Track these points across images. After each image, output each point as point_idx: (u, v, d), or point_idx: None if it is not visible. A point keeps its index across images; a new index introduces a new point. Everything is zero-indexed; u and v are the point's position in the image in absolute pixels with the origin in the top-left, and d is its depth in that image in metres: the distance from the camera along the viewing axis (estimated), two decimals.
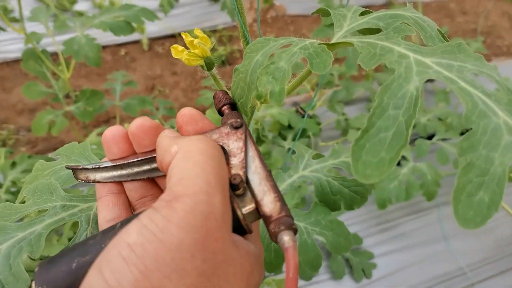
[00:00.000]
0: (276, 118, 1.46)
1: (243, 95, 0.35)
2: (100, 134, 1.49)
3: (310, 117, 1.62)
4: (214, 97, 0.38)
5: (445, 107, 1.78)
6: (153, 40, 2.49)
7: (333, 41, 0.36)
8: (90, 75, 2.27)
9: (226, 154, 0.33)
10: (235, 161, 0.32)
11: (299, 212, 0.62)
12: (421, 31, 0.34)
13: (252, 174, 0.32)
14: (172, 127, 1.41)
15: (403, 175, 1.29)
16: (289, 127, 1.50)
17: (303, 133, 1.54)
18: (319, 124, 1.63)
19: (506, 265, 1.32)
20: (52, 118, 1.32)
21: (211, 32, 2.59)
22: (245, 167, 0.32)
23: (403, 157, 1.35)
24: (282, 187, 0.65)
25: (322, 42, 0.34)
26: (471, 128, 0.24)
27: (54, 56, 1.44)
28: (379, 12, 0.37)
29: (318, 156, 0.68)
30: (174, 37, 2.52)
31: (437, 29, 0.35)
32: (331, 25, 1.41)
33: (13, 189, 1.29)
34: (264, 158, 1.28)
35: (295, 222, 0.62)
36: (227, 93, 0.38)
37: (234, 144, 0.33)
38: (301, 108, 1.65)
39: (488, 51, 2.73)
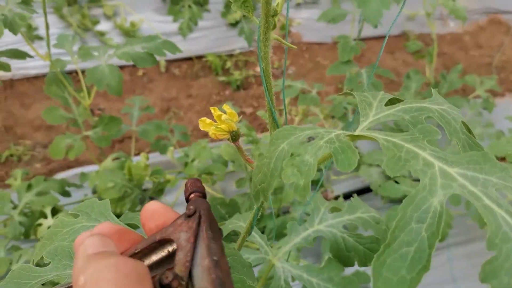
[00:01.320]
0: None
1: (265, 180, 0.36)
2: (115, 159, 1.51)
3: None
4: (185, 185, 0.37)
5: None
6: (170, 62, 2.53)
7: (358, 131, 0.37)
8: (107, 94, 2.31)
9: (178, 248, 0.31)
10: (180, 255, 0.30)
11: (312, 267, 0.63)
12: (445, 125, 0.35)
13: (196, 267, 0.29)
14: (187, 155, 1.43)
15: None
16: None
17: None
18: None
19: None
20: (70, 142, 1.34)
21: (228, 56, 2.63)
22: (190, 261, 0.30)
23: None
24: (296, 240, 0.66)
25: (348, 133, 0.35)
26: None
27: (74, 75, 1.47)
28: (405, 104, 0.38)
29: (334, 210, 0.68)
30: (191, 60, 2.56)
31: (462, 121, 0.36)
32: (348, 61, 1.42)
33: (26, 210, 1.31)
34: (275, 192, 1.28)
35: (307, 277, 0.63)
36: (198, 181, 0.37)
37: (184, 235, 0.31)
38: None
39: (502, 87, 2.72)
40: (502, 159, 1.22)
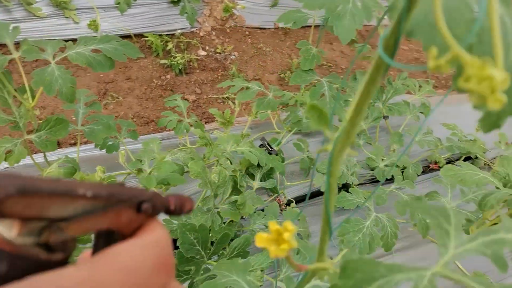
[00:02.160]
0: (247, 156, 1.45)
1: None
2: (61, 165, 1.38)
3: (276, 154, 1.63)
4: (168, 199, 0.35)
5: (399, 149, 1.88)
6: None
7: (440, 263, 0.36)
8: None
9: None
10: None
11: None
12: None
13: None
14: (140, 161, 1.35)
15: (367, 227, 1.35)
16: (258, 165, 1.50)
17: (270, 172, 1.55)
18: (283, 160, 1.64)
19: None
20: (9, 147, 1.20)
21: (169, 36, 2.49)
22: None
23: (368, 208, 1.41)
24: None
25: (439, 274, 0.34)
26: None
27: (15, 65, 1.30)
28: (484, 236, 0.38)
29: None
30: (130, 38, 2.39)
31: None
32: (309, 70, 1.42)
33: None
34: (239, 208, 1.26)
35: None
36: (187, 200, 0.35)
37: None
38: (268, 144, 1.65)
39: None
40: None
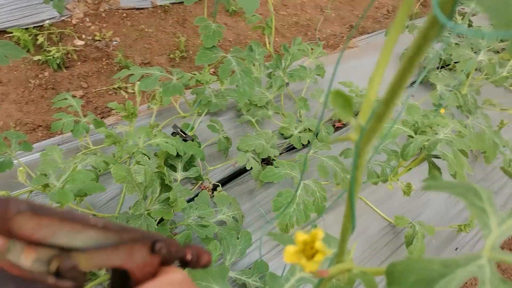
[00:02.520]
0: (164, 148, 1.36)
1: None
2: None
3: (192, 139, 1.55)
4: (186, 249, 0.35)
5: (306, 113, 1.92)
6: None
7: (489, 251, 0.34)
8: None
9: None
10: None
11: None
12: None
13: None
14: (45, 175, 1.18)
15: (299, 196, 1.37)
16: (177, 155, 1.42)
17: (191, 160, 1.47)
18: (200, 145, 1.58)
19: (380, 259, 1.54)
20: None
21: (37, 29, 2.20)
22: None
23: (294, 177, 1.42)
24: None
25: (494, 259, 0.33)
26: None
27: None
28: None
29: None
30: None
31: None
32: (213, 47, 1.35)
33: None
34: (172, 206, 1.18)
35: None
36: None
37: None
38: (182, 131, 1.57)
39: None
40: None
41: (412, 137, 1.33)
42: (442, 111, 2.01)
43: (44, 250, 0.24)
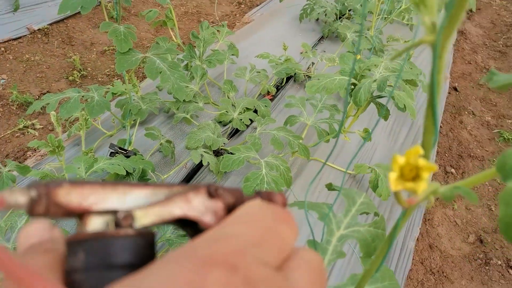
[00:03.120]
0: (112, 171, 1.24)
1: None
2: None
3: (134, 154, 1.43)
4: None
5: (236, 95, 1.87)
6: None
7: None
8: None
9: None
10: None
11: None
12: None
13: None
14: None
15: (266, 175, 1.33)
16: (127, 174, 1.30)
17: (143, 175, 1.36)
18: (142, 158, 1.46)
19: None
20: None
21: None
22: None
23: (254, 158, 1.38)
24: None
25: None
26: None
27: None
28: None
29: None
30: None
31: None
32: (130, 50, 1.24)
33: None
34: None
35: None
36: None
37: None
38: (120, 148, 1.44)
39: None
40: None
41: (355, 84, 1.34)
42: (358, 57, 2.08)
43: (97, 217, 0.24)
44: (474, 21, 3.73)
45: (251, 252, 0.21)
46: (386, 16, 2.24)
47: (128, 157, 1.40)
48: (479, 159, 2.28)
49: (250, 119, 1.63)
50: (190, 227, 0.27)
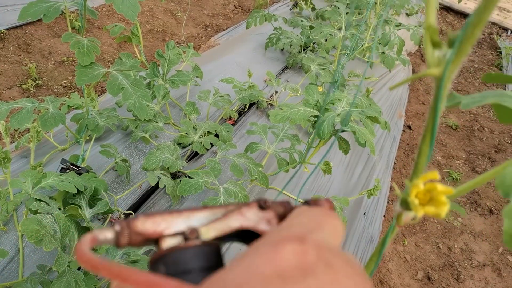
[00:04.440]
0: (61, 188, 1.17)
1: None
2: None
3: (87, 171, 1.37)
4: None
5: (198, 117, 1.85)
6: None
7: None
8: None
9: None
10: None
11: None
12: None
13: None
14: None
15: (224, 202, 1.30)
16: (78, 192, 1.23)
17: (95, 194, 1.29)
18: (95, 176, 1.40)
19: None
20: None
21: None
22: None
23: (213, 184, 1.35)
24: None
25: None
26: None
27: None
28: None
29: None
30: None
31: None
32: (92, 64, 1.20)
33: None
34: (96, 249, 1.02)
35: None
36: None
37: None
38: (72, 164, 1.37)
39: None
40: None
41: (317, 116, 1.35)
42: (320, 89, 2.12)
43: (170, 239, 0.28)
44: None
45: (313, 234, 0.25)
46: (348, 52, 2.31)
47: (80, 174, 1.33)
48: None
49: (211, 143, 1.61)
50: (250, 240, 0.30)
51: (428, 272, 1.91)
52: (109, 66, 1.33)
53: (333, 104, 1.36)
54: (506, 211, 0.31)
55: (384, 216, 2.04)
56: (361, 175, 2.05)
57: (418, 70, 3.71)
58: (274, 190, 1.71)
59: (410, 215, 0.37)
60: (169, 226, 0.28)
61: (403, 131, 2.81)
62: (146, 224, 0.28)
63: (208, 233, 0.29)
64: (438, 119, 0.35)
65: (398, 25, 2.10)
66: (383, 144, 2.40)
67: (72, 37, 1.30)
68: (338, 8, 2.12)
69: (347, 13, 2.29)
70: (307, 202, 0.31)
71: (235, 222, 0.30)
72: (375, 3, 2.19)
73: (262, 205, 0.30)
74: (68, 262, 0.97)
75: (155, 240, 0.28)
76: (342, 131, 1.40)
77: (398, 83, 0.36)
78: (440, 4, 5.04)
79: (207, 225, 0.29)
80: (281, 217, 0.30)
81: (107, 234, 0.27)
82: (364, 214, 1.91)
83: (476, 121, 3.19)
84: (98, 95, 2.17)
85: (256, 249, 0.23)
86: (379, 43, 2.17)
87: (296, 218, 0.28)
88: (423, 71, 0.34)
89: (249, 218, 0.30)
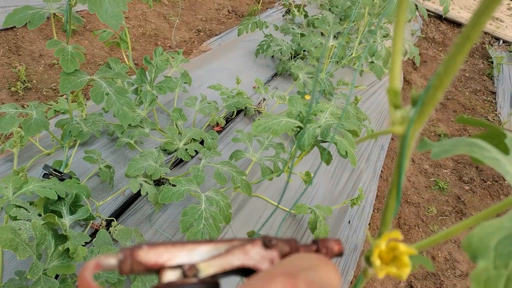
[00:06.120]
0: (41, 194, 1.18)
1: None
2: None
3: (70, 177, 1.37)
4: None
5: (184, 124, 1.86)
6: None
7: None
8: None
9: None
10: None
11: None
12: None
13: None
14: None
15: (205, 210, 1.31)
16: (59, 198, 1.24)
17: (76, 200, 1.30)
18: (78, 182, 1.40)
19: None
20: None
21: None
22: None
23: (195, 192, 1.36)
24: None
25: None
26: None
27: None
28: None
29: None
30: None
31: None
32: (76, 71, 1.21)
33: None
34: (72, 257, 1.03)
35: None
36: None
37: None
38: (55, 170, 1.38)
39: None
40: None
41: (300, 127, 1.37)
42: (307, 97, 2.13)
43: (171, 271, 0.29)
44: (420, 72, 3.95)
45: (305, 272, 0.26)
46: (338, 60, 2.32)
47: (62, 180, 1.34)
48: (415, 205, 2.37)
49: (195, 150, 1.62)
50: (250, 274, 0.31)
51: (411, 281, 1.93)
52: (96, 71, 1.34)
53: (315, 115, 1.37)
54: (473, 275, 0.31)
55: (369, 224, 2.06)
56: (346, 183, 2.06)
57: (409, 78, 3.74)
58: (258, 198, 1.72)
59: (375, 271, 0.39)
60: (171, 258, 0.29)
61: (392, 139, 2.83)
62: (148, 255, 0.29)
63: (208, 270, 0.29)
64: (403, 176, 0.36)
65: (386, 35, 2.12)
66: (370, 152, 2.42)
67: (56, 44, 1.31)
68: (326, 16, 2.14)
69: (339, 21, 2.31)
70: (315, 242, 0.32)
71: (237, 260, 0.30)
72: (363, 13, 2.21)
73: (267, 244, 0.31)
74: (44, 270, 0.97)
75: (157, 270, 0.29)
76: (324, 142, 1.41)
77: (364, 138, 0.38)
78: (434, 13, 5.08)
79: (208, 260, 0.30)
80: (285, 256, 0.31)
81: (111, 261, 0.28)
82: (349, 222, 1.93)
83: (465, 130, 3.22)
84: (87, 99, 2.18)
85: (249, 284, 0.24)
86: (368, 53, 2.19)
87: (292, 260, 0.29)
88: (387, 129, 0.35)
89: (252, 256, 0.30)
